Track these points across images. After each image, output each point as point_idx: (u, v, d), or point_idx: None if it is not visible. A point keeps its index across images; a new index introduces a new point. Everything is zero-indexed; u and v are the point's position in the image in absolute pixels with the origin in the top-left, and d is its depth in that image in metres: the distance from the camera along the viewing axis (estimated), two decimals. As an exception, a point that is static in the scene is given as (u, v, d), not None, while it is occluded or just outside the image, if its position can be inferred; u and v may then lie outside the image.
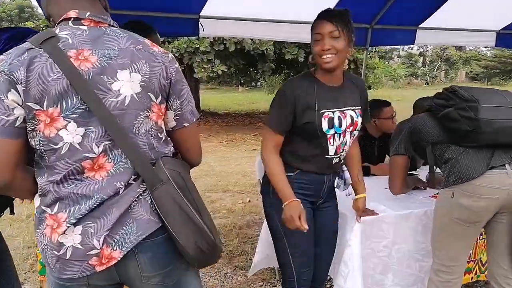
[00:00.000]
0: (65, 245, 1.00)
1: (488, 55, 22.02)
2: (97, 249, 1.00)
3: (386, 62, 24.74)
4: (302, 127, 1.58)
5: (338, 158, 1.66)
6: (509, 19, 3.90)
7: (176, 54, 8.80)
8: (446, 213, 1.70)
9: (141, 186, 1.04)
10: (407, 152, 1.90)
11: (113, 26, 1.05)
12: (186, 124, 1.14)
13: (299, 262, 1.68)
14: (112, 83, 0.99)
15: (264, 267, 2.53)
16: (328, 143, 1.61)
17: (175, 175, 1.05)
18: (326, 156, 1.63)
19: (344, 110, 1.62)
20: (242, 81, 12.60)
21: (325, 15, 1.52)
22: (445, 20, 3.64)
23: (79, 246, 1.00)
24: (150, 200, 1.04)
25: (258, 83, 20.01)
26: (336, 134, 1.60)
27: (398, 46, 29.24)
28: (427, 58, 30.28)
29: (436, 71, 28.25)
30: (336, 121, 1.59)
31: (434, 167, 1.86)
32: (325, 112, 1.58)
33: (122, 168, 1.03)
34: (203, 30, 3.00)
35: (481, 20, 3.76)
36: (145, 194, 1.05)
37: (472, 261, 2.22)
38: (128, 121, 1.02)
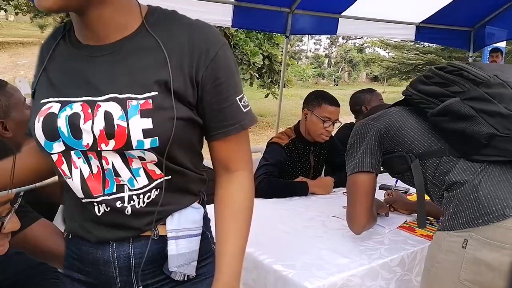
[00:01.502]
0: None
1: (387, 57, 23.92)
2: None
3: (296, 63, 25.44)
4: None
5: (106, 206, 0.77)
6: (429, 12, 3.89)
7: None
8: (451, 272, 1.04)
9: None
10: (374, 168, 1.22)
11: None
12: None
13: None
14: None
15: None
16: (61, 173, 0.77)
17: None
18: (80, 198, 0.78)
19: (99, 100, 0.72)
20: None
21: None
22: (368, 10, 3.58)
23: None
24: None
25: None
26: (73, 153, 0.75)
27: (305, 48, 30.47)
28: (332, 60, 31.97)
29: (340, 72, 29.86)
30: (62, 125, 0.73)
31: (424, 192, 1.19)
32: (45, 103, 0.76)
33: None
34: None
35: (402, 12, 3.76)
36: None
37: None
38: None
